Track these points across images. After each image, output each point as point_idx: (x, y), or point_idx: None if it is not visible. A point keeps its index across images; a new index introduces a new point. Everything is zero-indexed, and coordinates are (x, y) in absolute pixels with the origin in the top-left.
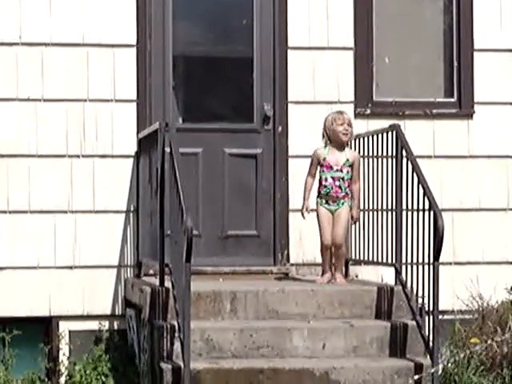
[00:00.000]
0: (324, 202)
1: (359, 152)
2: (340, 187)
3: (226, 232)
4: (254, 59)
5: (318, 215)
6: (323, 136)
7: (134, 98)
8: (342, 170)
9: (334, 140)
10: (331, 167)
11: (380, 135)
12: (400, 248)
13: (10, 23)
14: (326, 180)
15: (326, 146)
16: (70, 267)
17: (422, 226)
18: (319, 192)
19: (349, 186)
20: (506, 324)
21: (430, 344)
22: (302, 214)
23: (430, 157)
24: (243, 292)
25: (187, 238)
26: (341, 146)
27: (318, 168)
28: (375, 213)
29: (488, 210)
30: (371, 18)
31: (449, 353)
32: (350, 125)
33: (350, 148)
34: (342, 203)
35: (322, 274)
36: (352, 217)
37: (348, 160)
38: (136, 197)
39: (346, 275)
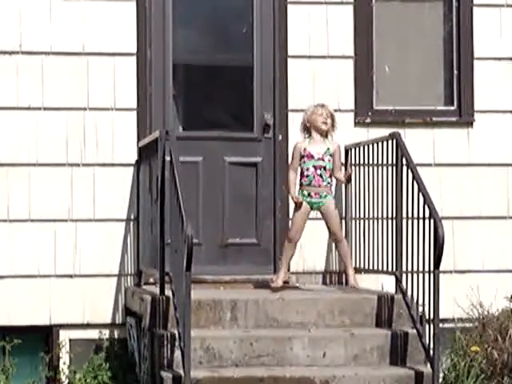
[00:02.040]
0: (306, 194)
1: (359, 160)
2: (321, 176)
3: (227, 240)
4: (254, 67)
5: (295, 208)
6: (303, 130)
7: (135, 106)
8: (323, 159)
9: (314, 131)
10: (312, 156)
11: (380, 143)
12: (400, 256)
13: (11, 32)
14: (307, 170)
15: (306, 138)
16: (71, 276)
17: (423, 234)
18: (301, 184)
19: (330, 176)
20: (507, 332)
21: (431, 352)
22: (295, 203)
23: (430, 165)
24: (243, 300)
25: (187, 247)
26: (321, 136)
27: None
28: (375, 221)
29: (488, 218)
30: (371, 27)
31: (449, 361)
32: (328, 116)
33: (329, 140)
34: (325, 196)
35: (278, 272)
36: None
37: (329, 149)
38: (136, 205)
39: (347, 283)
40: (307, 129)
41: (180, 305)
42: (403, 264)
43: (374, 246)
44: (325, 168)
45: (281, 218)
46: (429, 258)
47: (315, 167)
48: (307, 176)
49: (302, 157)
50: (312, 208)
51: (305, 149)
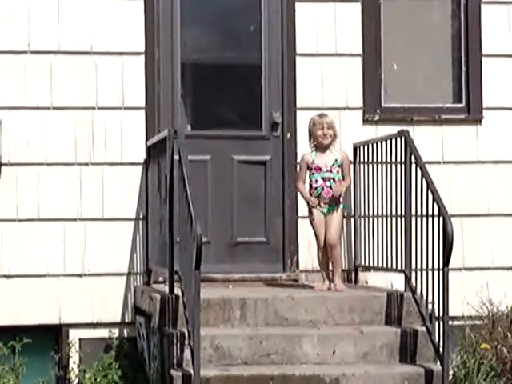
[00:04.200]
0: (318, 204)
1: (368, 158)
2: (331, 187)
3: (236, 239)
4: (263, 66)
5: (311, 220)
6: (309, 139)
7: (143, 105)
8: (331, 171)
9: (317, 143)
10: (320, 169)
11: (389, 141)
12: (409, 254)
13: (19, 32)
14: (316, 182)
15: (312, 151)
16: (80, 275)
17: (432, 231)
18: (310, 195)
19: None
20: None
21: (440, 350)
22: (312, 205)
23: (438, 162)
24: (253, 299)
25: (197, 245)
26: (325, 148)
27: (307, 173)
28: (384, 219)
29: (497, 216)
30: (379, 24)
31: (459, 358)
32: (329, 128)
33: (335, 149)
34: (335, 205)
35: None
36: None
37: (337, 160)
38: (145, 204)
39: (356, 281)
40: (312, 139)
41: (189, 303)
42: (412, 262)
43: (383, 244)
44: (334, 179)
45: (290, 216)
46: (438, 255)
47: (324, 179)
48: (316, 188)
49: (309, 169)
50: (325, 216)
51: (313, 161)
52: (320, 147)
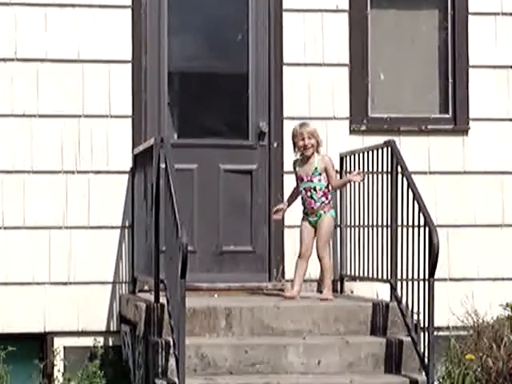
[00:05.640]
0: (305, 213)
1: (354, 168)
2: (312, 197)
3: (221, 248)
4: (250, 75)
5: (301, 227)
6: (293, 148)
7: (130, 113)
8: (311, 180)
9: (300, 153)
10: (302, 179)
11: (375, 151)
12: (395, 264)
13: (6, 39)
14: (301, 192)
15: (297, 159)
16: (65, 283)
17: (418, 242)
18: (303, 204)
19: (324, 195)
20: (502, 340)
21: (426, 360)
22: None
23: (425, 173)
24: (238, 308)
25: (182, 254)
26: (308, 158)
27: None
28: (370, 229)
29: (483, 226)
30: (366, 34)
31: (444, 369)
32: (310, 137)
33: (319, 155)
34: (320, 215)
35: (292, 286)
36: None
37: (316, 168)
38: (131, 213)
39: (341, 291)
40: (296, 149)
41: (174, 312)
42: (398, 272)
43: (368, 254)
44: (314, 189)
45: (276, 225)
46: (424, 265)
47: (305, 189)
48: (302, 198)
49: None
50: (313, 226)
51: (298, 171)
52: (303, 156)
